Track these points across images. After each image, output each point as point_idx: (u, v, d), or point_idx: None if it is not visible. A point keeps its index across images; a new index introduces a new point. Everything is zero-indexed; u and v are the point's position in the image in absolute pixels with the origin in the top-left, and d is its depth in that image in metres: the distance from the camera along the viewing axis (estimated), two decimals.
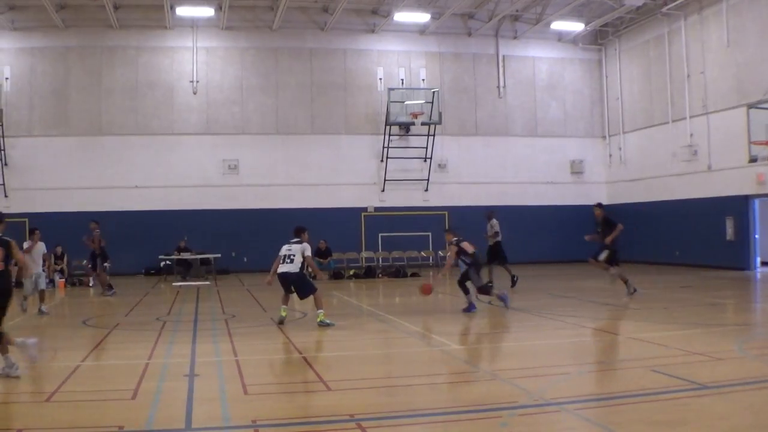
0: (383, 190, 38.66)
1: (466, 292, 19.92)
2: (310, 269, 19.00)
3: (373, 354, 14.05)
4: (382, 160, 38.51)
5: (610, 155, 41.56)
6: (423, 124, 37.94)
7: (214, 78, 38.16)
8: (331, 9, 37.36)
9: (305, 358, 12.85)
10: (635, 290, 22.50)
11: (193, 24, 37.77)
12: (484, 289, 20.08)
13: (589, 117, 41.83)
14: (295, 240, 18.27)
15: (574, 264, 36.56)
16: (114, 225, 34.55)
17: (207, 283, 31.91)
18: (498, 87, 40.46)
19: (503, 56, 40.58)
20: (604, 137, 41.92)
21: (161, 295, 27.55)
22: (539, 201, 40.11)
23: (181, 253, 34.41)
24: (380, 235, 36.76)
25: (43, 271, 22.26)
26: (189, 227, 35.56)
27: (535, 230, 39.40)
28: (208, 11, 36.47)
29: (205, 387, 10.72)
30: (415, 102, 37.92)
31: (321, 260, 33.85)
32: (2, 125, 35.67)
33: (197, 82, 37.92)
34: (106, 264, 28.24)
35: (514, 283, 26.04)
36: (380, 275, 33.96)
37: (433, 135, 38.50)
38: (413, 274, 33.67)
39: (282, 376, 11.97)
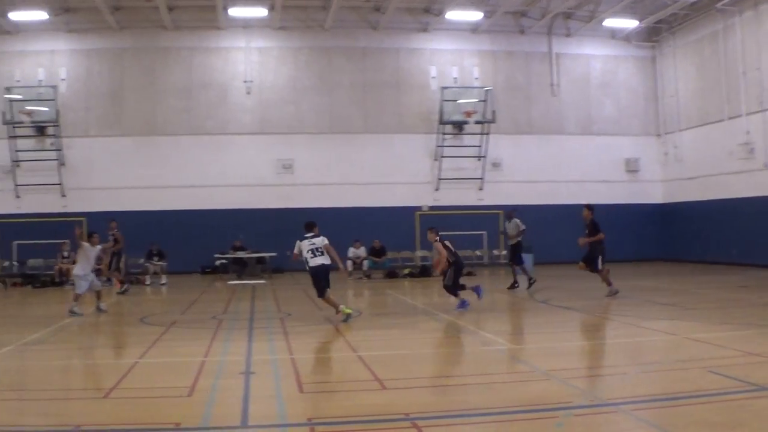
0: (437, 189, 38.57)
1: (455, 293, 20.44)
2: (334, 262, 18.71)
3: (428, 353, 14.06)
4: (435, 159, 38.47)
5: (666, 153, 41.04)
6: (476, 122, 37.91)
7: (268, 78, 38.36)
8: (384, 8, 37.34)
9: (360, 357, 12.82)
10: (617, 291, 22.20)
11: (246, 24, 38.00)
12: (452, 290, 20.56)
13: (643, 115, 41.36)
14: (311, 234, 18.59)
15: (629, 263, 36.31)
16: (170, 224, 35.09)
17: (262, 281, 32.12)
18: (551, 85, 40.19)
19: (556, 54, 40.29)
20: (659, 135, 41.42)
21: (217, 293, 27.75)
22: (593, 200, 39.36)
23: (237, 252, 34.64)
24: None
25: (96, 270, 22.48)
26: (244, 226, 35.76)
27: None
28: (261, 11, 36.68)
29: (260, 385, 10.80)
30: (469, 101, 37.92)
31: (375, 259, 33.93)
32: (59, 126, 36.20)
33: (251, 82, 38.13)
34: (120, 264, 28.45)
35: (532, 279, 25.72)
36: (435, 274, 33.86)
37: (487, 134, 38.31)
38: (468, 273, 33.43)
39: (337, 375, 11.99)
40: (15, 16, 35.58)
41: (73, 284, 30.27)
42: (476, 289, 20.46)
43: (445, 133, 38.38)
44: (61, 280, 31.65)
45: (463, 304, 20.03)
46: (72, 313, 20.08)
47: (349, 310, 18.02)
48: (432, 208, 38.25)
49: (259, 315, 19.76)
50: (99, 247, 21.69)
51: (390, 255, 35.07)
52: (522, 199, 38.19)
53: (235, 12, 36.47)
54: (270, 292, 27.33)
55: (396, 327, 17.08)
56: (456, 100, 37.83)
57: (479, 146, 38.52)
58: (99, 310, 20.76)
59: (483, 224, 37.78)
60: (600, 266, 22.19)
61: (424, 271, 33.97)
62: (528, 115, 39.87)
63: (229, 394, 10.16)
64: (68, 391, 11.15)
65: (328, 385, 11.12)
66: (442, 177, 38.41)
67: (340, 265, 19.23)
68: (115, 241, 27.72)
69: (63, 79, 37.10)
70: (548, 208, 38.52)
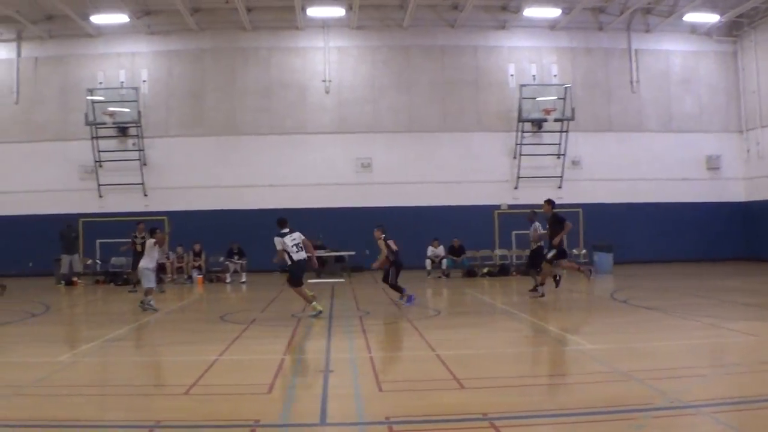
0: (516, 188, 38.36)
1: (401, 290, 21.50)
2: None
3: (507, 352, 13.96)
4: (514, 157, 38.31)
5: (748, 150, 40.30)
6: (555, 120, 37.67)
7: (346, 77, 38.57)
8: (461, 6, 37.32)
9: (438, 356, 12.80)
10: (542, 295, 21.91)
11: (324, 24, 38.29)
12: (397, 288, 21.70)
13: (724, 111, 40.65)
14: (288, 230, 19.66)
15: (710, 263, 35.84)
16: (250, 223, 35.32)
17: (341, 280, 32.23)
18: (631, 82, 39.76)
19: (635, 50, 39.84)
20: (741, 132, 40.70)
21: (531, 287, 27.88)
22: (674, 198, 39.21)
23: (316, 251, 34.70)
24: (514, 232, 36.36)
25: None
26: (323, 225, 35.90)
27: (669, 228, 38.58)
28: (338, 11, 36.94)
29: (339, 383, 10.85)
30: (547, 98, 37.68)
31: (454, 258, 33.86)
32: (141, 126, 36.80)
33: (329, 81, 38.37)
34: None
35: (557, 283, 24.71)
36: (514, 273, 33.69)
37: (566, 131, 38.01)
38: None
39: (415, 373, 11.91)
40: (97, 19, 36.37)
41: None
42: (410, 298, 21.33)
43: (524, 131, 38.18)
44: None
45: (410, 300, 21.10)
46: (147, 306, 20.42)
47: (320, 308, 19.11)
48: (511, 206, 38.02)
49: (338, 313, 19.87)
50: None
51: (469, 254, 34.90)
52: (601, 197, 37.99)
53: (313, 12, 36.78)
54: (349, 290, 27.42)
55: (474, 326, 17.06)
56: (535, 98, 37.64)
57: (558, 144, 38.23)
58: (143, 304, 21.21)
59: None
60: (549, 256, 21.90)
61: (503, 270, 33.81)
62: (607, 112, 39.43)
63: (308, 391, 10.37)
64: (149, 387, 11.44)
65: (406, 384, 11.08)
66: (521, 175, 38.15)
67: (314, 260, 20.46)
68: (134, 242, 28.58)
69: (144, 81, 37.89)
70: (628, 207, 38.21)
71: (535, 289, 23.80)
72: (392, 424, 8.49)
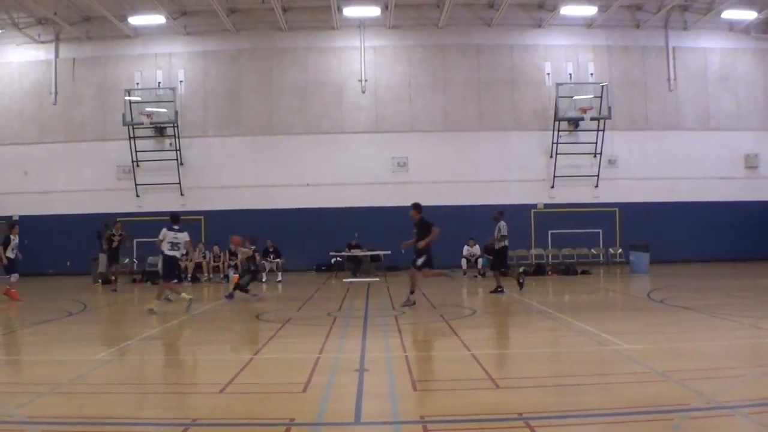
0: (553, 187, 38.30)
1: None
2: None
3: (543, 352, 13.92)
4: (551, 156, 38.21)
5: None
6: (592, 119, 37.66)
7: (382, 76, 38.70)
8: (497, 5, 37.43)
9: (474, 355, 12.77)
10: (413, 303, 20.93)
11: (360, 24, 38.51)
12: (244, 288, 24.06)
13: (763, 109, 40.39)
14: (177, 228, 21.25)
15: (748, 262, 35.59)
16: (286, 222, 35.60)
17: (377, 279, 32.33)
18: (668, 80, 39.51)
19: (673, 48, 39.65)
20: None
21: (332, 291, 28.01)
22: (711, 197, 38.96)
23: (352, 250, 34.91)
24: (550, 232, 36.32)
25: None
26: (359, 224, 36.09)
27: (707, 228, 38.42)
28: (374, 11, 37.17)
29: (374, 382, 10.84)
30: (584, 97, 37.65)
31: (490, 257, 33.72)
32: (178, 127, 37.06)
33: (365, 81, 38.55)
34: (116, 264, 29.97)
35: (521, 285, 25.06)
36: (550, 272, 33.63)
37: (603, 130, 37.89)
38: (583, 272, 33.29)
39: (450, 373, 11.85)
40: (134, 20, 36.95)
41: (192, 280, 31.31)
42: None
43: (560, 130, 38.22)
44: (180, 276, 32.19)
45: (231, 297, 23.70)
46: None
47: (189, 297, 20.55)
48: (547, 205, 38.03)
49: (374, 312, 19.89)
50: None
51: None
52: (638, 196, 37.91)
53: (349, 12, 37.02)
54: (384, 289, 27.43)
55: (510, 325, 17.09)
56: (571, 97, 37.67)
57: (595, 143, 38.16)
58: (168, 300, 22.31)
59: (599, 222, 37.28)
60: (419, 263, 20.99)
61: (539, 270, 33.71)
62: (644, 110, 39.24)
63: (344, 390, 10.29)
64: (185, 386, 11.60)
65: (442, 383, 11.08)
66: (557, 174, 38.08)
67: (193, 258, 22.95)
68: (110, 240, 29.98)
69: (181, 81, 38.37)
70: (665, 206, 38.05)
71: (496, 290, 24.27)
72: (427, 423, 8.49)
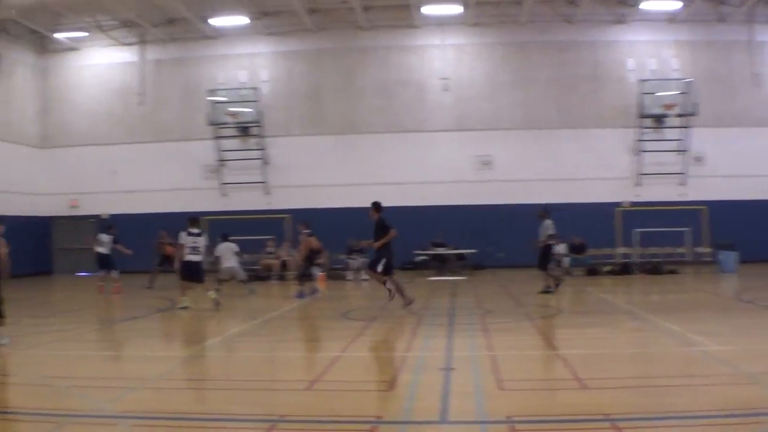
0: (638, 185, 37.87)
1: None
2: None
3: (629, 353, 13.88)
4: (635, 154, 37.88)
5: None
6: (677, 115, 37.30)
7: (464, 74, 38.82)
8: (578, 1, 37.21)
9: (560, 355, 12.84)
10: (392, 298, 20.50)
11: (441, 22, 38.67)
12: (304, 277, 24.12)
13: None
14: (196, 231, 21.45)
15: None
16: (368, 221, 35.50)
17: (462, 278, 32.38)
18: (754, 75, 38.77)
19: (758, 42, 38.92)
20: None
21: (417, 289, 27.97)
22: None
23: (437, 249, 34.95)
24: (636, 230, 35.94)
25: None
26: (444, 223, 36.20)
27: None
28: (455, 8, 37.38)
29: (460, 381, 10.91)
30: (668, 93, 37.22)
31: (576, 256, 33.59)
32: (262, 126, 37.56)
33: (447, 79, 38.53)
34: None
35: (551, 288, 24.47)
36: (636, 272, 33.35)
37: (688, 127, 37.44)
38: (670, 271, 32.98)
39: (537, 373, 12.00)
40: (216, 21, 37.67)
41: (278, 278, 31.66)
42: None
43: (644, 127, 37.85)
44: (267, 275, 32.68)
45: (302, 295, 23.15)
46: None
47: (186, 303, 20.91)
48: (633, 203, 37.63)
49: (459, 311, 20.04)
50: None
51: (590, 252, 34.60)
52: (726, 194, 37.34)
53: (429, 10, 37.19)
54: (470, 288, 27.57)
55: (596, 325, 17.00)
56: (655, 93, 37.30)
57: (680, 140, 37.69)
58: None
59: (686, 220, 36.73)
60: (379, 269, 20.70)
61: (626, 269, 33.45)
62: (731, 106, 38.62)
63: (429, 389, 10.38)
64: (272, 382, 11.92)
65: (528, 383, 11.15)
66: (642, 172, 37.66)
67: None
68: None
69: (264, 81, 39.02)
70: (754, 204, 37.42)
71: (546, 291, 24.02)
72: (513, 423, 8.55)
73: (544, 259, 24.58)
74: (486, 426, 8.59)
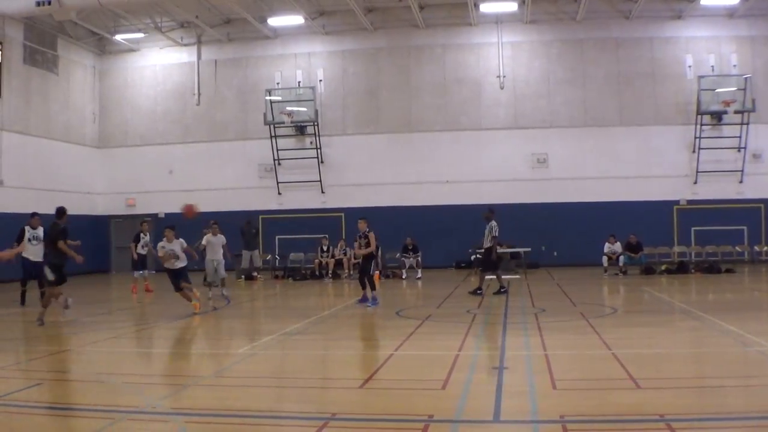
0: (695, 183, 37.62)
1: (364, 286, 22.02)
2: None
3: (685, 352, 13.85)
4: (693, 151, 37.73)
5: None
6: (736, 112, 37.19)
7: (521, 72, 39.14)
8: None
9: (615, 355, 12.75)
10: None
11: (498, 19, 39.24)
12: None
13: None
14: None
15: None
16: (425, 219, 36.03)
17: (517, 277, 32.58)
18: None
19: None
20: None
21: (471, 288, 27.96)
22: None
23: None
24: (693, 229, 35.74)
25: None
26: (499, 221, 35.86)
27: None
28: (511, 6, 38.10)
29: (513, 380, 11.01)
30: (727, 89, 37.08)
31: (631, 255, 33.43)
32: (318, 125, 37.74)
33: (504, 77, 38.56)
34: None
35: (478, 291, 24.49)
36: (693, 270, 33.17)
37: (747, 123, 37.25)
38: (727, 270, 32.84)
39: (591, 372, 11.92)
40: (273, 21, 38.59)
41: (331, 277, 31.80)
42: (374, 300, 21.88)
43: (702, 124, 37.70)
44: (321, 273, 32.85)
45: (365, 299, 21.77)
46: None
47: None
48: (690, 202, 37.61)
49: (513, 310, 20.06)
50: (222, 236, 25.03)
51: (646, 250, 34.58)
52: None
53: (486, 8, 37.78)
54: (524, 287, 27.61)
55: (652, 325, 16.95)
56: (714, 89, 37.24)
57: (739, 137, 37.41)
58: (223, 296, 23.89)
59: (744, 219, 36.58)
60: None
61: (682, 268, 33.29)
62: None
63: (482, 388, 10.55)
64: (325, 380, 12.15)
65: (582, 383, 11.07)
66: (700, 170, 37.42)
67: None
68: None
69: (321, 80, 39.56)
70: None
71: (476, 292, 24.16)
72: (566, 422, 8.55)
73: (490, 260, 25.01)
74: (539, 426, 8.67)
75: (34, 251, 21.32)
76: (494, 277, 24.97)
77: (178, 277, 20.63)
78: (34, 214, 22.26)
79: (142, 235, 28.10)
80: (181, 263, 20.58)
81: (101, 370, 12.53)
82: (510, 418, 8.95)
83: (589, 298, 23.18)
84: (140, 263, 28.04)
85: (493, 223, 24.97)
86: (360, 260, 23.98)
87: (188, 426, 8.87)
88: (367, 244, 21.82)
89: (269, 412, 9.63)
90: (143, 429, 8.92)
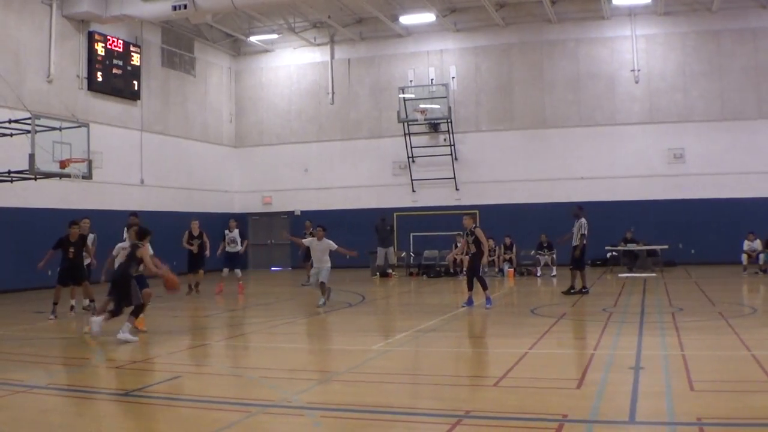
0: None
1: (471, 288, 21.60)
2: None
3: None
4: None
5: None
6: None
7: (656, 65, 38.81)
8: None
9: (755, 356, 12.56)
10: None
11: (631, 12, 39.15)
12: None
13: None
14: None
15: None
16: (560, 216, 35.75)
17: (653, 275, 32.51)
18: None
19: None
20: None
21: (607, 286, 28.20)
22: None
23: (628, 245, 34.72)
24: None
25: None
26: (634, 218, 36.18)
27: None
28: None
29: (649, 380, 10.92)
30: None
31: None
32: (451, 122, 37.90)
33: (638, 70, 38.41)
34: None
35: (571, 291, 24.28)
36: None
37: None
38: None
39: (729, 374, 11.71)
40: (405, 20, 39.34)
41: (465, 275, 31.86)
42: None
43: None
44: (455, 270, 32.95)
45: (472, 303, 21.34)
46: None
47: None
48: None
49: (650, 309, 19.90)
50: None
51: None
52: None
53: (618, 1, 36.97)
54: (661, 285, 27.48)
55: None
56: None
57: None
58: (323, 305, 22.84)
59: None
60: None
61: None
62: None
63: (618, 388, 10.46)
64: (459, 378, 12.37)
65: (720, 384, 10.93)
66: None
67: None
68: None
69: (453, 77, 39.79)
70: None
71: (569, 291, 24.05)
72: (704, 425, 8.46)
73: (580, 258, 24.54)
74: (675, 427, 8.57)
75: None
76: (577, 276, 24.57)
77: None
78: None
79: (227, 231, 27.96)
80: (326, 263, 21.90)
81: (237, 364, 13.53)
82: (646, 419, 8.87)
83: (728, 297, 22.89)
84: (228, 260, 27.96)
85: (583, 220, 24.71)
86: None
87: (323, 420, 9.19)
88: (476, 242, 21.45)
89: (403, 408, 9.76)
90: (279, 422, 9.33)
